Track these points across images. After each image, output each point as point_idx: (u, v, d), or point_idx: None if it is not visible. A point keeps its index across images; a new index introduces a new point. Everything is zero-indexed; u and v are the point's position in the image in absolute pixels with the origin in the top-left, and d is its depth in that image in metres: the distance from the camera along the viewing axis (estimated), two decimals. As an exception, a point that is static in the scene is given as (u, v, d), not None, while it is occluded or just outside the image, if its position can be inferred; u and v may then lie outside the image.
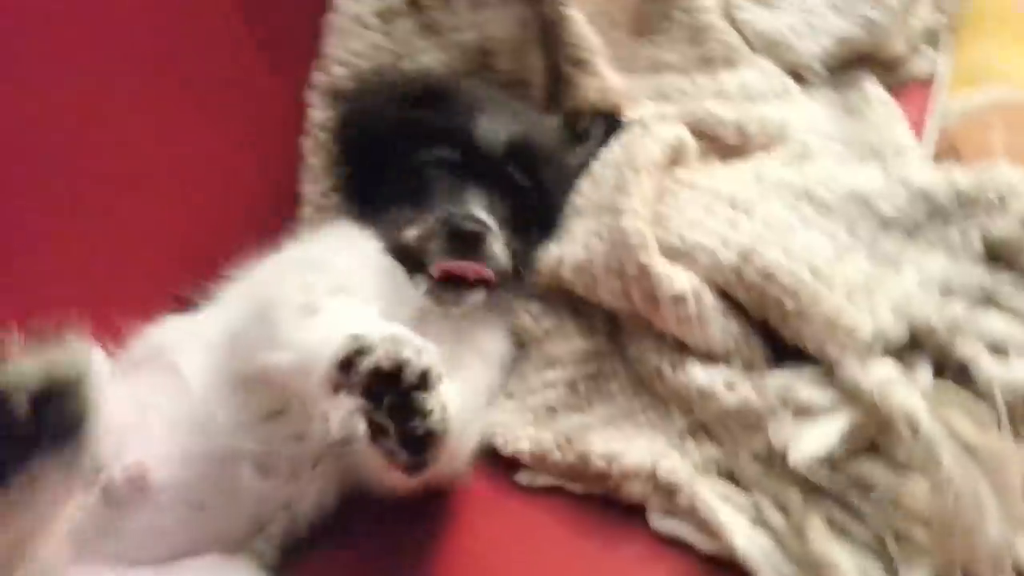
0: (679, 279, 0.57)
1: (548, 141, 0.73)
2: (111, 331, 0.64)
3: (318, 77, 0.75)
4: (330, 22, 0.79)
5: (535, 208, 0.69)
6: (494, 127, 0.68)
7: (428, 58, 0.75)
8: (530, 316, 0.65)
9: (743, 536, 0.52)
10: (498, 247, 0.64)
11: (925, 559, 0.50)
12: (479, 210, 0.65)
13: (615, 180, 0.62)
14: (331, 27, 0.79)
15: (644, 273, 0.56)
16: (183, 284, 0.70)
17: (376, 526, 0.61)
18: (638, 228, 0.57)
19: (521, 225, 0.68)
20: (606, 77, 0.77)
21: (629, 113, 0.77)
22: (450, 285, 0.62)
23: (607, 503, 0.59)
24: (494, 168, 0.68)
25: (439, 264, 0.62)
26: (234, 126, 0.77)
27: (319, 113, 0.74)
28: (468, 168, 0.67)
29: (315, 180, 0.74)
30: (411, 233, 0.64)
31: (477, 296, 0.63)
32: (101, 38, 0.72)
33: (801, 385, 0.56)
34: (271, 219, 0.76)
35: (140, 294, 0.71)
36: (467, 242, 0.63)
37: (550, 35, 0.78)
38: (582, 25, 0.80)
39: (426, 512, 0.60)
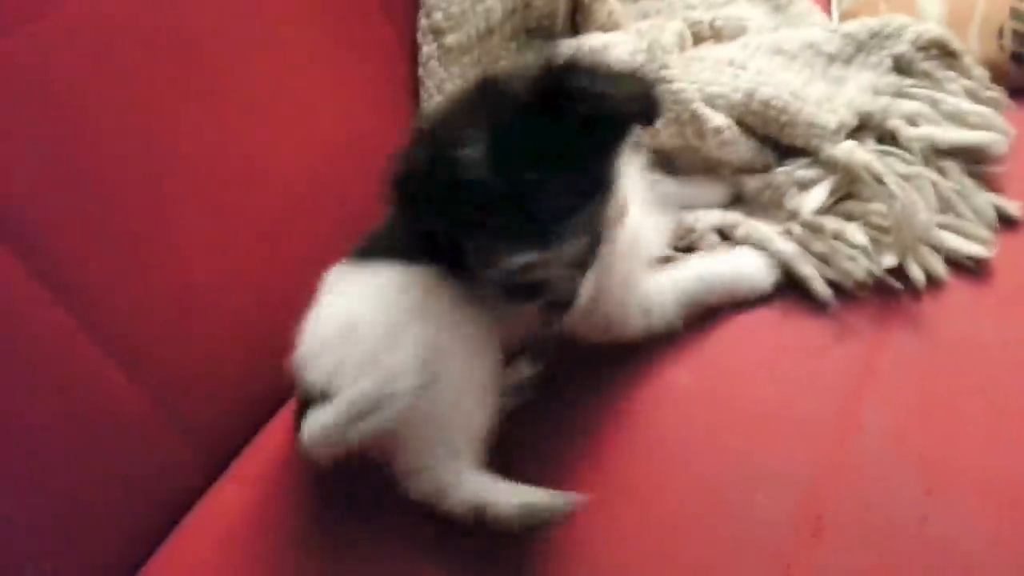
0: (716, 117, 0.87)
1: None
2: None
3: (422, 20, 1.01)
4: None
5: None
6: (473, 155, 0.61)
7: (490, 2, 1.02)
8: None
9: (779, 244, 0.83)
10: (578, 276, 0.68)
11: (889, 248, 0.83)
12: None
13: (650, 59, 0.92)
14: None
15: (694, 117, 0.86)
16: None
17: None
18: (684, 87, 0.87)
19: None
20: (614, 3, 1.06)
21: (629, 29, 1.07)
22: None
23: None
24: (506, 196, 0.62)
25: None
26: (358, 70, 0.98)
27: (428, 48, 1.00)
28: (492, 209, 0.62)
29: (430, 98, 1.00)
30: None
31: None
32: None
33: (799, 169, 0.87)
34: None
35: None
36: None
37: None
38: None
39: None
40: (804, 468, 0.71)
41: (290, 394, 0.79)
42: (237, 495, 0.81)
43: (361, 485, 0.73)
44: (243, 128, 0.86)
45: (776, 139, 0.89)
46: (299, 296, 0.74)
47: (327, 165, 0.93)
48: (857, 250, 0.81)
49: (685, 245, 0.88)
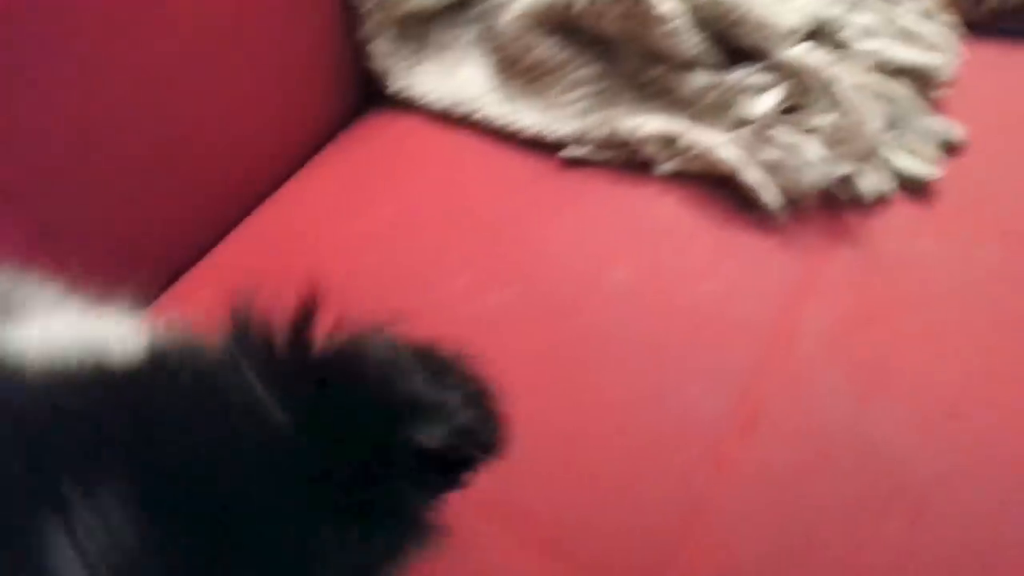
0: (664, 2, 0.82)
1: None
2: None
3: None
4: None
5: None
6: None
7: None
8: (550, 50, 0.89)
9: (724, 150, 0.80)
10: None
11: (839, 160, 0.80)
12: None
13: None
14: None
15: (638, 1, 0.82)
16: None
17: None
18: (633, -32, 0.82)
19: None
20: None
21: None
22: None
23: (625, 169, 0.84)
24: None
25: None
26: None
27: None
28: None
29: None
30: None
31: None
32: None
33: (751, 75, 0.83)
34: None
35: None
36: None
37: None
38: None
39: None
40: (740, 367, 0.68)
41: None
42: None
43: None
44: None
45: (726, 39, 0.85)
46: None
47: (252, 22, 0.83)
48: (805, 160, 0.78)
49: (625, 157, 0.84)
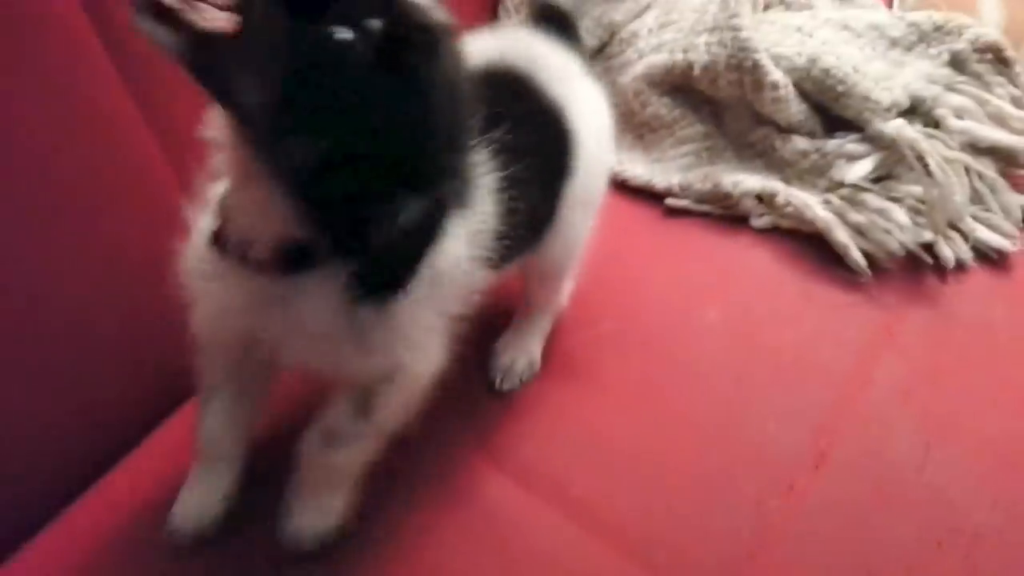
0: (776, 72, 0.91)
1: None
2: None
3: None
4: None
5: None
6: None
7: None
8: (665, 108, 0.99)
9: (819, 211, 0.88)
10: None
11: (923, 227, 0.87)
12: None
13: (721, 10, 0.95)
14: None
15: (756, 66, 0.90)
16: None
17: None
18: (752, 37, 0.91)
19: None
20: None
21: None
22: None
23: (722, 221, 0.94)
24: None
25: None
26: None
27: None
28: None
29: (507, 15, 1.04)
30: None
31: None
32: None
33: (848, 143, 0.91)
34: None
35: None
36: None
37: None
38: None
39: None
40: (815, 408, 0.76)
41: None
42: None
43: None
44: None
45: (828, 108, 0.93)
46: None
47: None
48: (893, 224, 0.86)
49: (723, 210, 0.93)
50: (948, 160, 0.87)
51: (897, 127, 0.88)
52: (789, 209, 0.89)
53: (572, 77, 0.71)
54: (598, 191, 0.74)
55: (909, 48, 0.95)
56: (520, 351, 0.78)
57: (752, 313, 0.84)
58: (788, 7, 1.05)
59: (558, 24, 0.74)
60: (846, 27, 0.96)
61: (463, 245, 0.57)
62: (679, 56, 0.97)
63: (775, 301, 0.85)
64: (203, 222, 0.57)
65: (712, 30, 0.95)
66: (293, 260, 0.52)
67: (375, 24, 0.44)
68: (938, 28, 0.94)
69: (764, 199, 0.91)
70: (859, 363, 0.80)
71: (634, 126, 1.01)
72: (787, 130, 0.94)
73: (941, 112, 0.91)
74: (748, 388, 0.78)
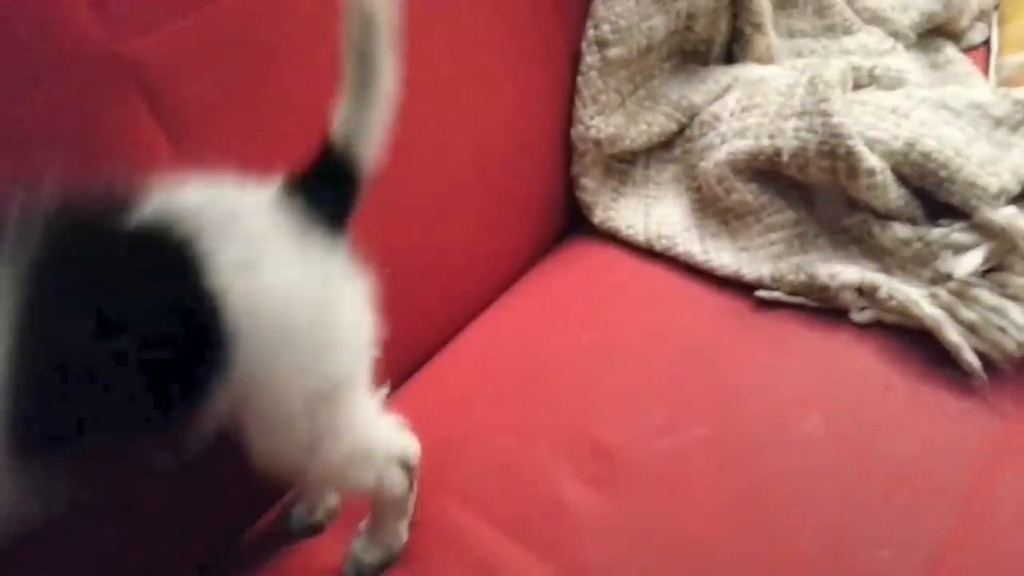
0: (872, 157, 0.86)
1: None
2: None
3: (589, 31, 1.00)
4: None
5: None
6: None
7: (655, 21, 1.02)
8: (751, 194, 0.94)
9: (926, 308, 0.82)
10: None
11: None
12: None
13: (809, 93, 0.91)
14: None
15: (850, 153, 0.85)
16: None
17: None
18: (844, 123, 0.86)
19: None
20: (772, 37, 1.06)
21: (784, 65, 1.06)
22: None
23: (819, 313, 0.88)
24: None
25: None
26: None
27: (591, 58, 1.00)
28: None
29: (584, 107, 1.01)
30: None
31: None
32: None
33: (954, 232, 0.85)
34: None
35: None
36: None
37: (737, 4, 1.06)
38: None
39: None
40: (933, 534, 0.69)
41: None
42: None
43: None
44: (418, 107, 0.86)
45: (931, 194, 0.87)
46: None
47: (489, 153, 0.96)
48: (1008, 322, 0.79)
49: (819, 302, 0.87)
50: (1068, 253, 0.81)
51: (1008, 216, 0.82)
52: (893, 303, 0.83)
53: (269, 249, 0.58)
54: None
55: (1015, 128, 0.88)
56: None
57: (858, 421, 0.78)
58: (879, 84, 1.00)
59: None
60: (945, 106, 0.90)
61: None
62: (765, 142, 0.92)
63: (883, 407, 0.79)
64: None
65: (800, 115, 0.91)
66: None
67: None
68: (1048, 108, 0.88)
69: (864, 292, 0.85)
70: (979, 479, 0.73)
71: (718, 211, 0.97)
72: (885, 216, 0.88)
73: (1057, 196, 0.84)
74: (857, 510, 0.71)
